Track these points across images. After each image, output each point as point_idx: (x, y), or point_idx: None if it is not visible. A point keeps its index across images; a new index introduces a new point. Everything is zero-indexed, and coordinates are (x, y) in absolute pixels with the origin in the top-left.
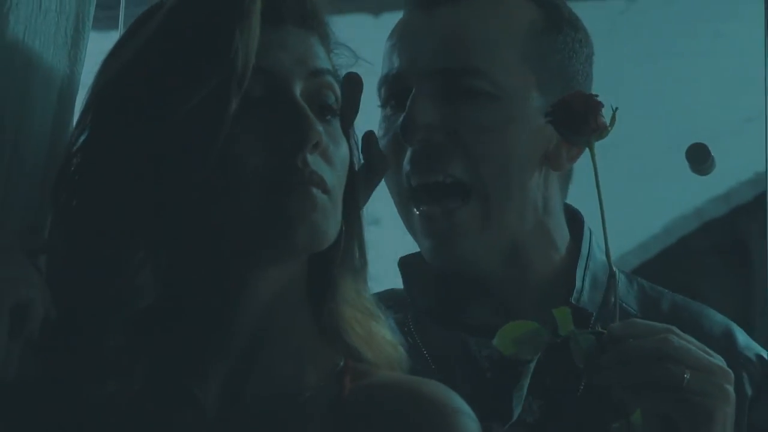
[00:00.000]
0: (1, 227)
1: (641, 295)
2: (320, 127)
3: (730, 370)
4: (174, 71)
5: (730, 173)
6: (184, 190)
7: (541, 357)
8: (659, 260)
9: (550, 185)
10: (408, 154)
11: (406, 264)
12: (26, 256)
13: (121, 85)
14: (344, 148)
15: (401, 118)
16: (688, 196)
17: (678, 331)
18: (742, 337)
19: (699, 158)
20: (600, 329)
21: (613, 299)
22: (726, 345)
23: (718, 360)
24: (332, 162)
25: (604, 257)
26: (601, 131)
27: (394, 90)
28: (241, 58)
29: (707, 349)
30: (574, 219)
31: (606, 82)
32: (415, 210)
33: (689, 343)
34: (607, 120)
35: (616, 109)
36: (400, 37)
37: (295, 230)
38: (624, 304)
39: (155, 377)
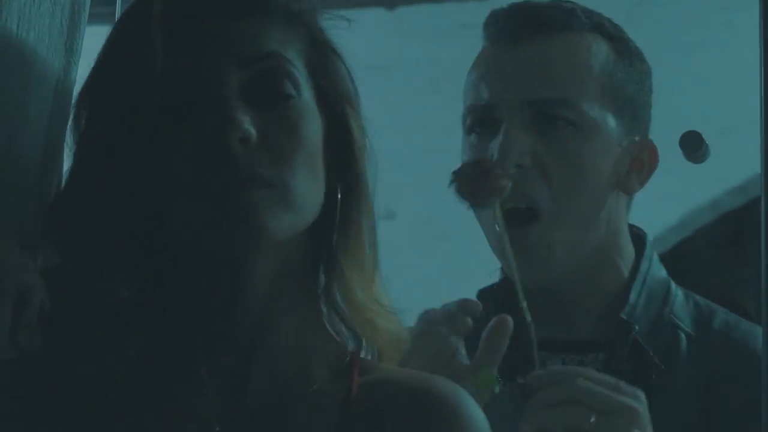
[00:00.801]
0: None
1: (696, 312)
2: (246, 123)
3: (639, 408)
4: (107, 84)
5: (747, 164)
6: (137, 196)
7: (600, 368)
8: (676, 252)
9: (619, 208)
10: None
11: (483, 293)
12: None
13: (82, 98)
14: (308, 127)
15: (496, 145)
16: (705, 188)
17: (591, 373)
18: None
19: (693, 146)
20: (522, 380)
21: (531, 348)
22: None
23: (631, 399)
24: (279, 150)
25: (664, 274)
26: (502, 193)
27: (482, 119)
28: (153, 66)
29: (621, 388)
30: (638, 237)
31: None
32: (496, 227)
33: (599, 383)
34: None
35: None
36: (487, 70)
37: (232, 232)
38: (678, 321)
39: (156, 355)
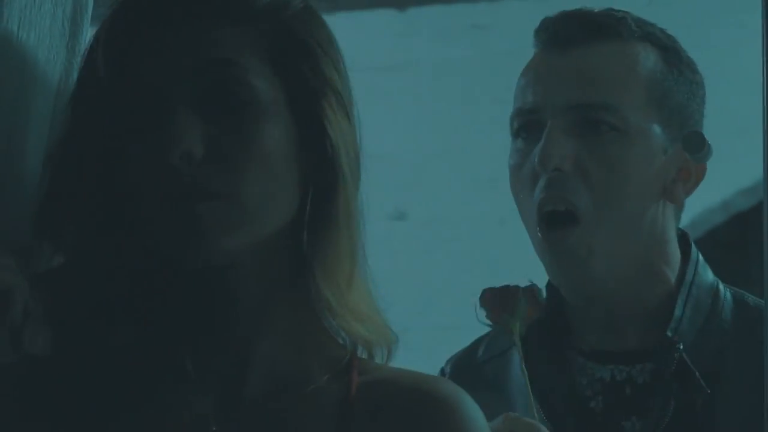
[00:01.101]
0: None
1: (744, 312)
2: (189, 137)
3: None
4: (77, 95)
5: (758, 165)
6: (111, 207)
7: (648, 378)
8: None
9: (666, 216)
10: (542, 182)
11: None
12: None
13: (67, 104)
14: (268, 132)
15: (538, 149)
16: (716, 189)
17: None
18: None
19: (695, 146)
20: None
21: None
22: None
23: None
24: (233, 160)
25: (711, 278)
26: (524, 318)
27: (527, 123)
28: (100, 79)
29: None
30: (685, 242)
31: None
32: (538, 233)
33: None
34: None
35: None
36: (534, 75)
37: (180, 247)
38: (726, 328)
39: (142, 354)
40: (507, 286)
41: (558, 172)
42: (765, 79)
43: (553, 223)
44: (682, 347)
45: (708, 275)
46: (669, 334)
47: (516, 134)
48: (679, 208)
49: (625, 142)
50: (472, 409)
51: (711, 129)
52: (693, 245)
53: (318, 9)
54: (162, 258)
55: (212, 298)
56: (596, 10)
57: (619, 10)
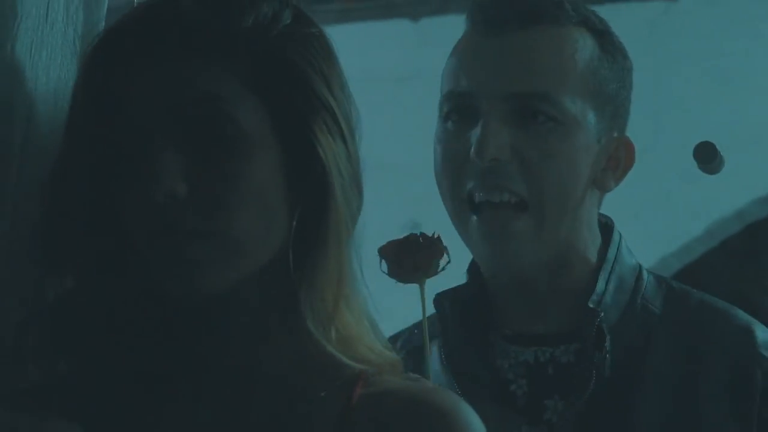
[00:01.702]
0: (13, 240)
1: (669, 294)
2: (171, 179)
3: None
4: (69, 128)
5: None
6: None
7: (573, 358)
8: (702, 262)
9: (592, 202)
10: (475, 170)
11: (440, 299)
12: None
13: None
14: (251, 167)
15: (475, 138)
16: (730, 199)
17: None
18: (763, 335)
19: (707, 157)
20: None
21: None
22: (744, 341)
23: None
24: (218, 197)
25: (634, 261)
26: (428, 271)
27: (459, 107)
28: (86, 114)
29: None
30: (606, 226)
31: (648, 83)
32: (473, 217)
33: None
34: None
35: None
36: (468, 58)
37: (167, 284)
38: (650, 305)
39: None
40: (408, 236)
41: (495, 161)
42: None
43: (502, 212)
44: (602, 315)
45: (631, 258)
46: (590, 305)
47: (446, 117)
48: (602, 195)
49: (563, 132)
50: (471, 419)
51: (725, 138)
52: (616, 230)
53: (329, 20)
54: (155, 290)
55: (207, 327)
56: None
57: None
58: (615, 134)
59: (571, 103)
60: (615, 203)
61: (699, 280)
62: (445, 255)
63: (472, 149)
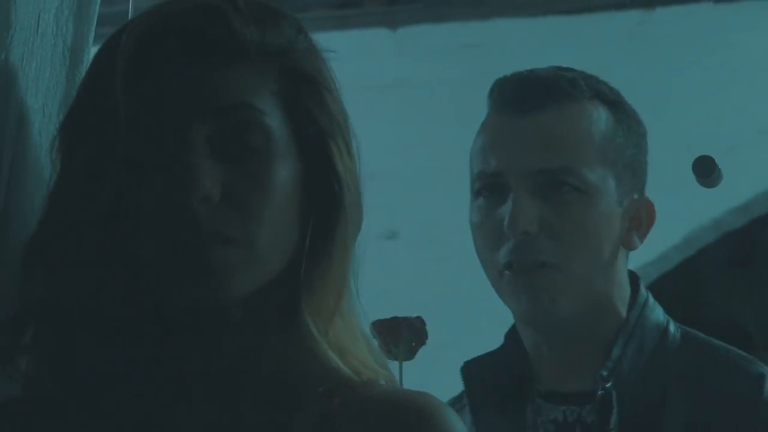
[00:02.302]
0: (2, 252)
1: (693, 355)
2: (208, 181)
3: None
4: (77, 130)
5: (749, 184)
6: (104, 240)
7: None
8: (679, 271)
9: (621, 260)
10: (510, 244)
11: (468, 368)
12: None
13: (57, 133)
14: (279, 175)
15: (507, 213)
16: (707, 208)
17: None
18: None
19: (705, 171)
20: None
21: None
22: (753, 394)
23: None
24: (245, 204)
25: (661, 318)
26: (408, 355)
27: (490, 185)
28: (116, 119)
29: None
30: (635, 284)
31: (624, 93)
32: (507, 272)
33: None
34: None
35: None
36: (495, 139)
37: (192, 290)
38: (670, 363)
39: (129, 389)
40: (395, 318)
41: (526, 234)
42: None
43: (523, 268)
44: (611, 384)
45: (656, 315)
46: (604, 373)
47: (477, 194)
48: (629, 252)
49: (586, 201)
50: (454, 422)
51: (701, 147)
52: (642, 288)
53: (307, 29)
54: (161, 298)
55: (206, 335)
56: (547, 72)
57: (568, 69)
58: (635, 196)
59: (591, 173)
60: None
61: (676, 288)
62: (425, 341)
63: (506, 223)
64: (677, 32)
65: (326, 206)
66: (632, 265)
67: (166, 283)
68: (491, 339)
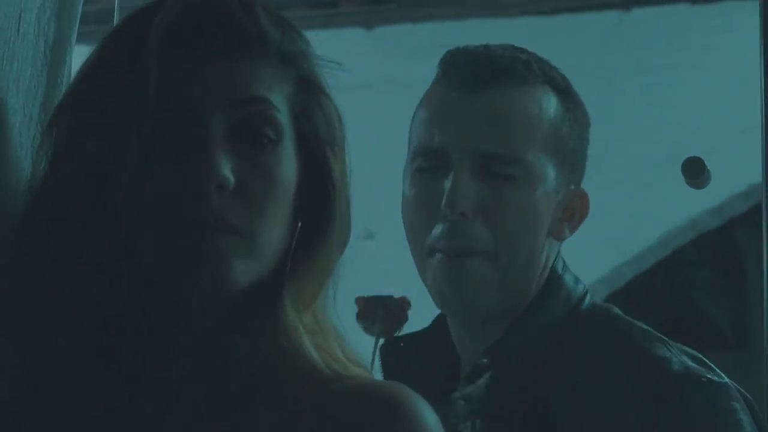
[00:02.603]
0: None
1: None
2: (225, 170)
3: None
4: (84, 112)
5: (724, 185)
6: (105, 229)
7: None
8: (654, 271)
9: (551, 251)
10: (443, 225)
11: (386, 350)
12: None
13: (52, 121)
14: (285, 173)
15: (446, 192)
16: (683, 208)
17: None
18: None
19: (695, 172)
20: None
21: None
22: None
23: None
24: (252, 197)
25: (571, 297)
26: (383, 329)
27: (430, 161)
28: (138, 102)
29: None
30: (554, 274)
31: (600, 93)
32: (434, 259)
33: None
34: None
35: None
36: (441, 113)
37: (195, 277)
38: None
39: (103, 390)
40: (376, 296)
41: (462, 216)
42: (763, 86)
43: (452, 255)
44: (484, 361)
45: (563, 295)
46: (484, 360)
47: (416, 168)
48: (560, 244)
49: (526, 189)
50: (422, 409)
51: (677, 148)
52: (558, 265)
53: None
54: (155, 290)
55: (189, 331)
56: (502, 51)
57: (523, 51)
58: (572, 186)
59: (534, 159)
60: None
61: (651, 288)
62: (403, 322)
63: (443, 202)
64: (654, 33)
65: (317, 210)
66: (608, 266)
67: (167, 270)
68: None
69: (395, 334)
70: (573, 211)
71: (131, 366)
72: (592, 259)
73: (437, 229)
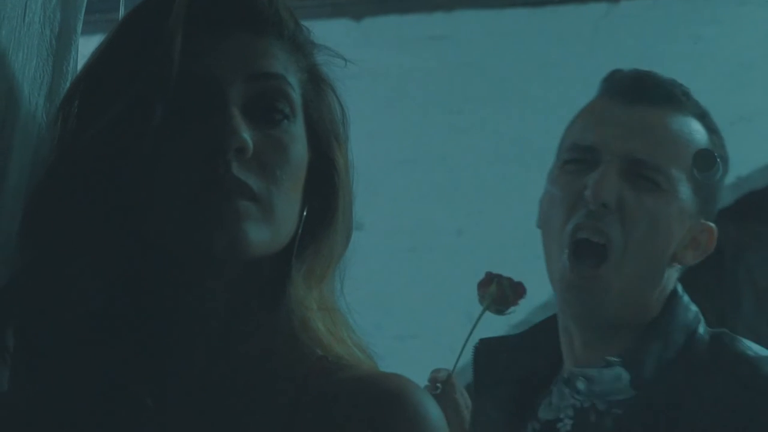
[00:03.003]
0: None
1: (721, 353)
2: (245, 134)
3: None
4: (106, 83)
5: None
6: (116, 197)
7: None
8: None
9: (670, 270)
10: (583, 211)
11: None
12: None
13: (70, 97)
14: (296, 151)
15: (592, 180)
16: None
17: None
18: None
19: (705, 164)
20: None
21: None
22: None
23: None
24: (268, 168)
25: (690, 320)
26: (491, 307)
27: (580, 157)
28: (162, 65)
29: None
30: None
31: (589, 85)
32: (565, 260)
33: None
34: None
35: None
36: (598, 117)
37: (213, 239)
38: (694, 363)
39: (103, 382)
40: (498, 274)
41: (603, 207)
42: None
43: (581, 253)
44: (615, 369)
45: (687, 316)
46: (610, 358)
47: (564, 163)
48: (681, 270)
49: (664, 199)
50: (425, 402)
51: None
52: (678, 287)
53: None
54: (167, 255)
55: (188, 312)
56: (665, 78)
57: (683, 85)
58: (702, 219)
59: (677, 176)
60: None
61: None
62: (512, 306)
63: (588, 191)
64: (642, 25)
65: (323, 197)
66: None
67: (184, 233)
68: (455, 330)
69: (500, 313)
70: (699, 243)
71: (134, 351)
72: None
73: (576, 216)
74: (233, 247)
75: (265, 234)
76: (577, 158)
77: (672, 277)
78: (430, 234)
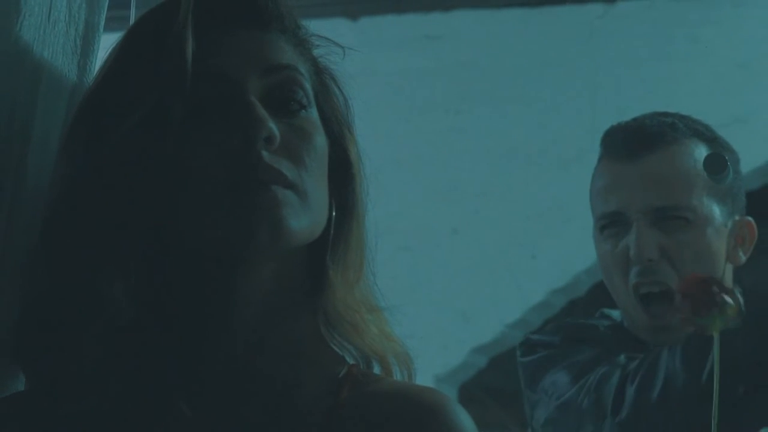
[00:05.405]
0: (9, 236)
1: None
2: (272, 123)
3: None
4: (122, 85)
5: None
6: (143, 201)
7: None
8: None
9: (727, 274)
10: (636, 269)
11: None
12: None
13: (86, 103)
14: (319, 140)
15: (632, 243)
16: None
17: None
18: None
19: (716, 168)
20: None
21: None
22: None
23: None
24: (297, 156)
25: None
26: (725, 316)
27: (612, 222)
28: (178, 66)
29: None
30: None
31: (585, 86)
32: (640, 310)
33: None
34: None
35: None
36: (612, 182)
37: (254, 228)
38: None
39: (137, 392)
40: (705, 279)
41: (650, 261)
42: None
43: (649, 304)
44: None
45: None
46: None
47: (602, 229)
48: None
49: (697, 229)
50: (462, 417)
51: None
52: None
53: None
54: (199, 256)
55: (220, 314)
56: (649, 121)
57: (666, 114)
58: (737, 217)
59: (699, 203)
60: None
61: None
62: (727, 312)
63: (631, 253)
64: (639, 25)
65: (344, 187)
66: (581, 265)
67: (224, 228)
68: (450, 329)
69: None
70: (743, 238)
71: (167, 359)
72: (577, 249)
73: (632, 273)
74: (276, 236)
75: (304, 221)
76: (610, 223)
77: (728, 276)
78: (426, 233)
